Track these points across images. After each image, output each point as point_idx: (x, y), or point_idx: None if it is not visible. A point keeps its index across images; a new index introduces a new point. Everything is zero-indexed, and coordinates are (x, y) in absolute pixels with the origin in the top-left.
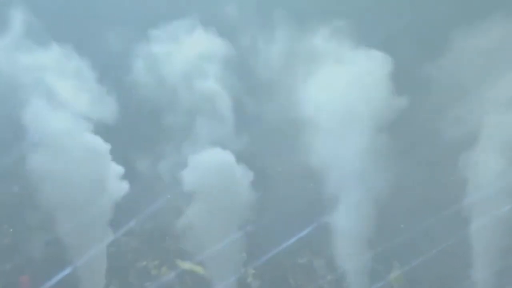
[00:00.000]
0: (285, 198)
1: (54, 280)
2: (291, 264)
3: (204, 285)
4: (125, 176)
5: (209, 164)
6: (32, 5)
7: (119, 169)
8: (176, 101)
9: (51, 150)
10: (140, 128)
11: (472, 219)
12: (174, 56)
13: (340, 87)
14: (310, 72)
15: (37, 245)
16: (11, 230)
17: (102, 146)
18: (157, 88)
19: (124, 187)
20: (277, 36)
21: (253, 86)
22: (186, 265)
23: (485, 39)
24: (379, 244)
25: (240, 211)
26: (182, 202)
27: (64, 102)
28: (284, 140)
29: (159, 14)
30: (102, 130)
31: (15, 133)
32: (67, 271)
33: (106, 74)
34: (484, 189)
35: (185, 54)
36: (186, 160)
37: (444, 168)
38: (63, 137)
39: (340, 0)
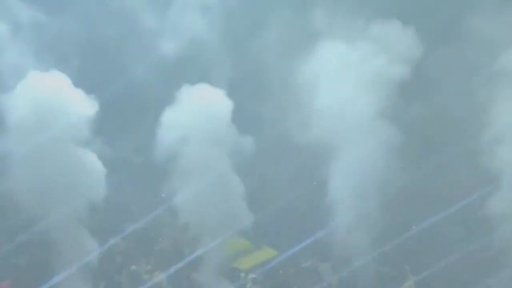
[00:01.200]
0: (287, 198)
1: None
2: (294, 269)
3: None
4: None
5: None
6: None
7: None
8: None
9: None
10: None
11: (489, 219)
12: None
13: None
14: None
15: (19, 248)
16: None
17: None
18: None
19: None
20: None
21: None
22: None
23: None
24: (389, 247)
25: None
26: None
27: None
28: (286, 137)
29: None
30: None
31: None
32: (51, 276)
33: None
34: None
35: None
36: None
37: (458, 162)
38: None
39: None
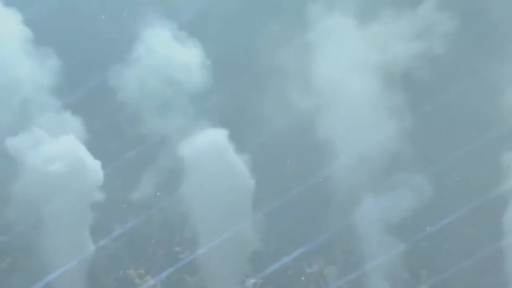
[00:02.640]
0: (292, 195)
1: None
2: (298, 273)
3: None
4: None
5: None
6: None
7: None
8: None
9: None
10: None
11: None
12: None
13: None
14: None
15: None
16: None
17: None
18: None
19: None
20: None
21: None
22: None
23: None
24: (405, 250)
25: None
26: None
27: None
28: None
29: None
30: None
31: None
32: (34, 280)
33: None
34: None
35: None
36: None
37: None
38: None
39: None
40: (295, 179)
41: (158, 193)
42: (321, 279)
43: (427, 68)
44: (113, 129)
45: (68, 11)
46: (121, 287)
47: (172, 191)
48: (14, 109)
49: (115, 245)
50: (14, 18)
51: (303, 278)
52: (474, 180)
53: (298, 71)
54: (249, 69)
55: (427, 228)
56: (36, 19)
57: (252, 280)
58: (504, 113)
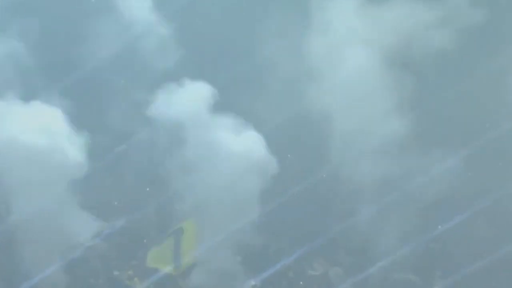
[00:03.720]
0: (295, 193)
1: None
2: (301, 274)
3: None
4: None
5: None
6: None
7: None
8: None
9: None
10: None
11: None
12: None
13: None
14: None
15: None
16: None
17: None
18: None
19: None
20: None
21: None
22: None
23: None
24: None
25: None
26: None
27: None
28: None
29: None
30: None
31: None
32: (19, 282)
33: None
34: None
35: None
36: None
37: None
38: None
39: None
40: (296, 175)
41: (148, 188)
42: (324, 281)
43: (441, 59)
44: (99, 122)
45: None
46: None
47: (168, 187)
48: None
49: (105, 245)
50: None
51: (301, 282)
52: (489, 176)
53: (297, 62)
54: (244, 58)
55: (439, 227)
56: None
57: (252, 283)
58: None
